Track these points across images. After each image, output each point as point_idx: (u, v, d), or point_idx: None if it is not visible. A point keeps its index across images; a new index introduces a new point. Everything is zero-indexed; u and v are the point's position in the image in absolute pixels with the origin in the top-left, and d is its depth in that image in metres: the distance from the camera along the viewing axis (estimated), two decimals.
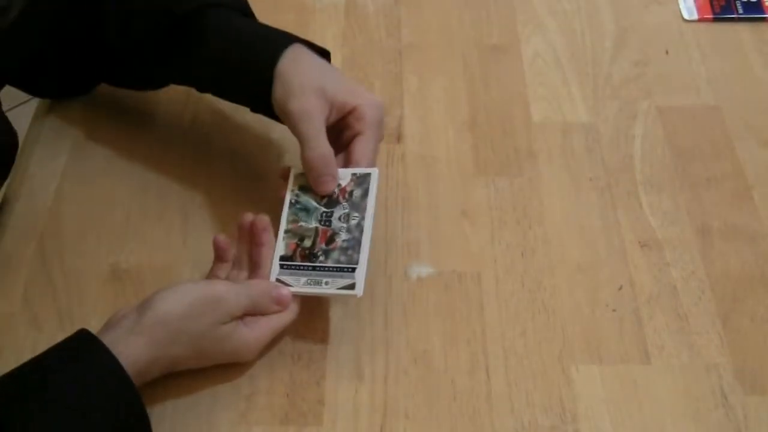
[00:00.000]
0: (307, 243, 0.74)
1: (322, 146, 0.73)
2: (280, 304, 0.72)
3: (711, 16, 1.04)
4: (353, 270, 0.72)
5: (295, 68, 0.75)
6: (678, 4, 1.05)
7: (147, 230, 0.82)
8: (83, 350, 0.64)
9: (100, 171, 0.86)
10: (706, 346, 0.75)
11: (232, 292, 0.70)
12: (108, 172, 0.87)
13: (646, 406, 0.71)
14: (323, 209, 0.75)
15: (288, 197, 0.76)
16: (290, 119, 0.74)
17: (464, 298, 0.78)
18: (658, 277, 0.79)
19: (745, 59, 0.99)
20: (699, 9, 1.04)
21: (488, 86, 0.96)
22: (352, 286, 0.71)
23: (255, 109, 0.80)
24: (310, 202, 0.75)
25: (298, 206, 0.75)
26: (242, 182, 0.78)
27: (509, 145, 0.90)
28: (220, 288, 0.70)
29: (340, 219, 0.74)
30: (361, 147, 0.75)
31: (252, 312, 0.71)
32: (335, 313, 0.76)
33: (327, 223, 0.74)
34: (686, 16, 1.04)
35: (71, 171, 0.86)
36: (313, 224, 0.74)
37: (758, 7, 1.04)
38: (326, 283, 0.72)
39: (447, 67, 0.98)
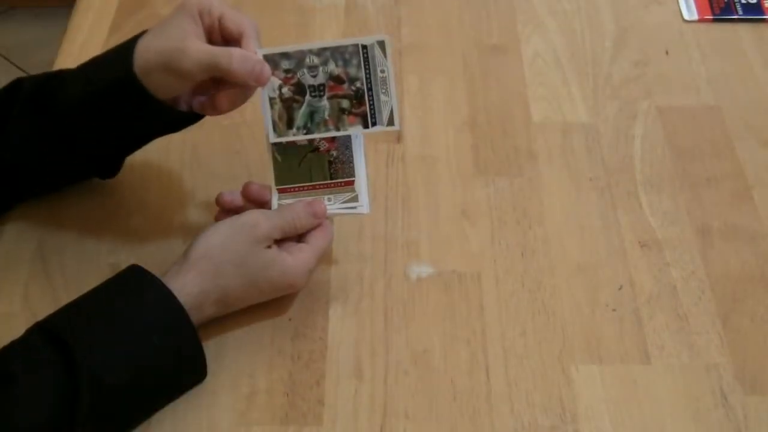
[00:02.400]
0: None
1: (228, 50, 0.70)
2: (317, 216, 0.74)
3: (711, 16, 1.04)
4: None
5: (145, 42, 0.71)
6: (678, 4, 1.05)
7: (147, 230, 0.82)
8: (135, 281, 0.70)
9: None
10: (706, 346, 0.75)
11: (264, 214, 0.73)
12: None
13: (646, 406, 0.71)
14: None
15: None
16: (185, 58, 0.69)
17: (464, 298, 0.78)
18: (658, 277, 0.79)
19: (745, 59, 0.99)
20: (699, 9, 1.04)
21: (488, 86, 0.96)
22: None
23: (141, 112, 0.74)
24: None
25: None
26: (242, 182, 0.78)
27: (509, 145, 0.90)
28: (251, 213, 0.73)
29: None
30: (250, 45, 0.72)
31: (290, 232, 0.73)
32: (335, 313, 0.76)
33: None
34: (686, 17, 1.04)
35: None
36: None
37: (758, 9, 1.04)
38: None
39: (447, 67, 0.98)
